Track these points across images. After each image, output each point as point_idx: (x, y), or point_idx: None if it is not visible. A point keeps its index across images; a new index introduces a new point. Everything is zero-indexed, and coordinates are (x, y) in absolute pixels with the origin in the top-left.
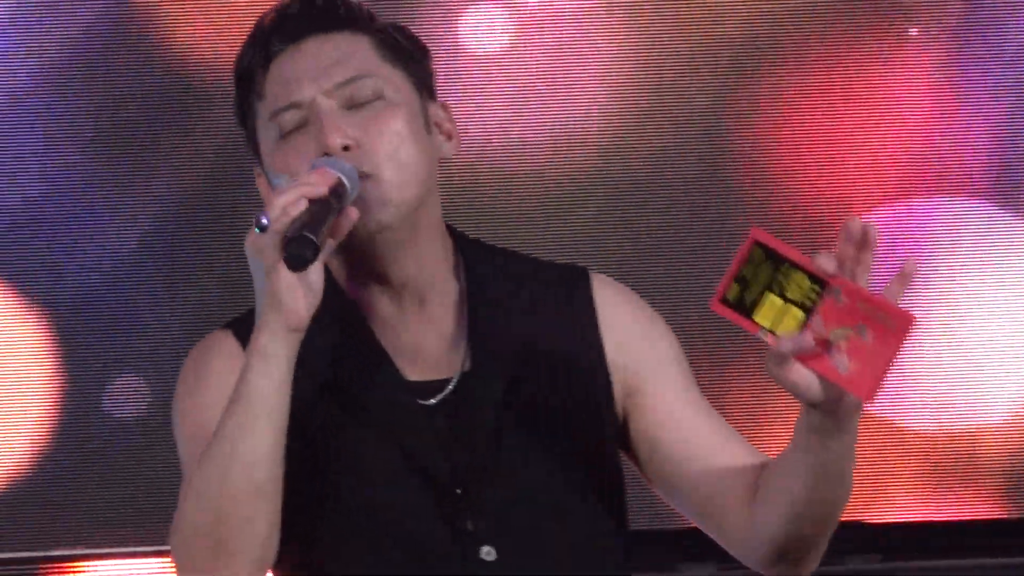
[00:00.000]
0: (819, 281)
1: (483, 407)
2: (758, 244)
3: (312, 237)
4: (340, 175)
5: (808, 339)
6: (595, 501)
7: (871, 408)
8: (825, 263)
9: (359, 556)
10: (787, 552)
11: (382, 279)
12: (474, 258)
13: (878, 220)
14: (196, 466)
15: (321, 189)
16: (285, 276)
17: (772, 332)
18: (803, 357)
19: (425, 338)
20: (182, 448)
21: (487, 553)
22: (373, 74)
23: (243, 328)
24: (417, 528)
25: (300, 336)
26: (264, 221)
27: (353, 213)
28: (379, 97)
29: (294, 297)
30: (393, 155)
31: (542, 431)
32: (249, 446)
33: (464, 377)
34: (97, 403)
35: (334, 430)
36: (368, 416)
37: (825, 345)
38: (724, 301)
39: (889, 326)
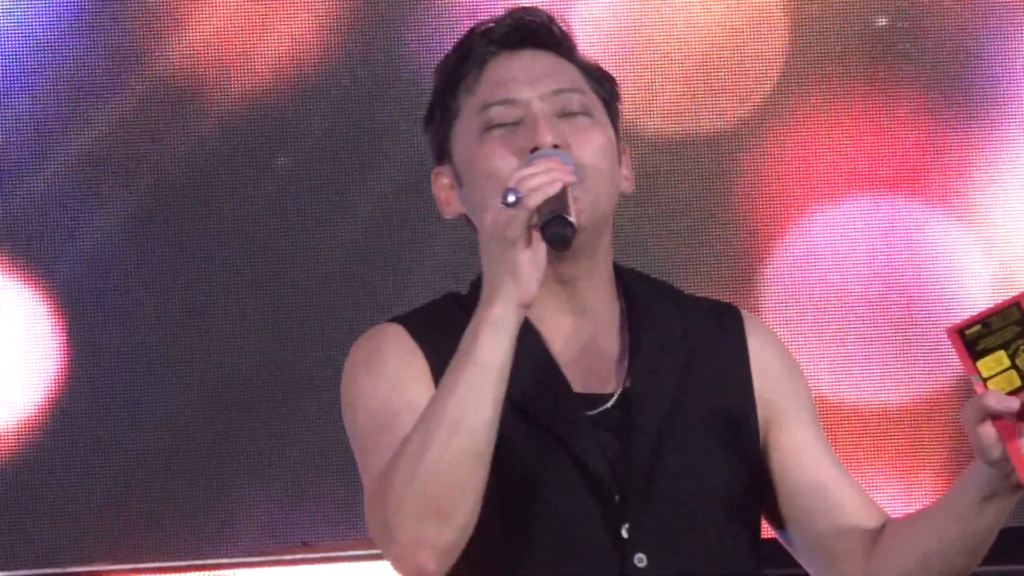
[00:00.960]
0: None
1: (642, 421)
2: (1019, 307)
3: (571, 219)
4: (573, 166)
5: (1014, 403)
6: (738, 517)
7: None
8: None
9: (520, 552)
10: None
11: (559, 281)
12: (634, 284)
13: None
14: (413, 433)
15: (572, 178)
16: (526, 253)
17: (985, 381)
18: (998, 423)
19: (591, 353)
20: (361, 425)
21: (639, 560)
22: (583, 92)
23: (412, 324)
24: (577, 531)
25: (526, 312)
26: (513, 198)
27: (582, 203)
28: (587, 113)
29: (531, 272)
30: (596, 165)
31: (695, 449)
32: (476, 413)
33: (625, 392)
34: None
35: (506, 436)
36: (538, 422)
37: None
38: (960, 333)
39: None
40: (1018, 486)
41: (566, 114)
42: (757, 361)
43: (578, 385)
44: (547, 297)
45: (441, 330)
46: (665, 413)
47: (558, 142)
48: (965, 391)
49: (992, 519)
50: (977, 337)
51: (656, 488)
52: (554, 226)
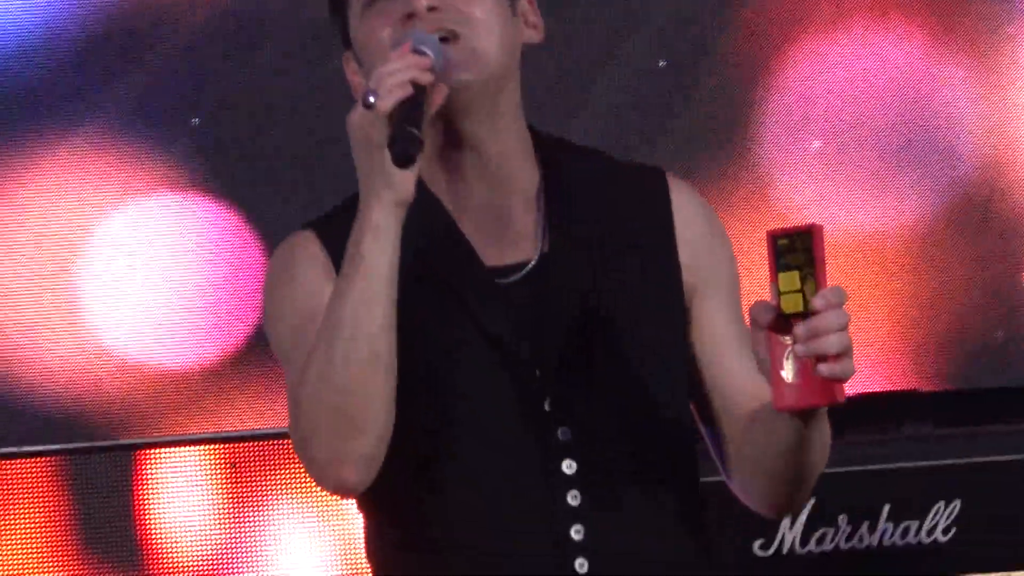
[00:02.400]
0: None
1: (561, 288)
2: (811, 234)
3: (417, 133)
4: (428, 51)
5: (765, 317)
6: (665, 386)
7: None
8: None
9: (438, 431)
10: (753, 496)
11: (460, 145)
12: (550, 149)
13: None
14: (316, 345)
15: (425, 75)
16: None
17: (780, 295)
18: (772, 341)
19: (503, 223)
20: (281, 338)
21: (563, 433)
22: None
23: (325, 230)
24: (496, 407)
25: (406, 209)
26: (371, 100)
27: (443, 90)
28: None
29: (403, 173)
30: (476, 20)
31: (619, 316)
32: (370, 318)
33: (542, 259)
34: None
35: (416, 313)
36: (449, 298)
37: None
38: (773, 238)
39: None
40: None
41: None
42: (682, 228)
43: (491, 257)
44: (451, 164)
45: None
46: (584, 282)
47: (433, 3)
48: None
49: (791, 437)
50: (784, 250)
51: (577, 360)
52: (397, 143)
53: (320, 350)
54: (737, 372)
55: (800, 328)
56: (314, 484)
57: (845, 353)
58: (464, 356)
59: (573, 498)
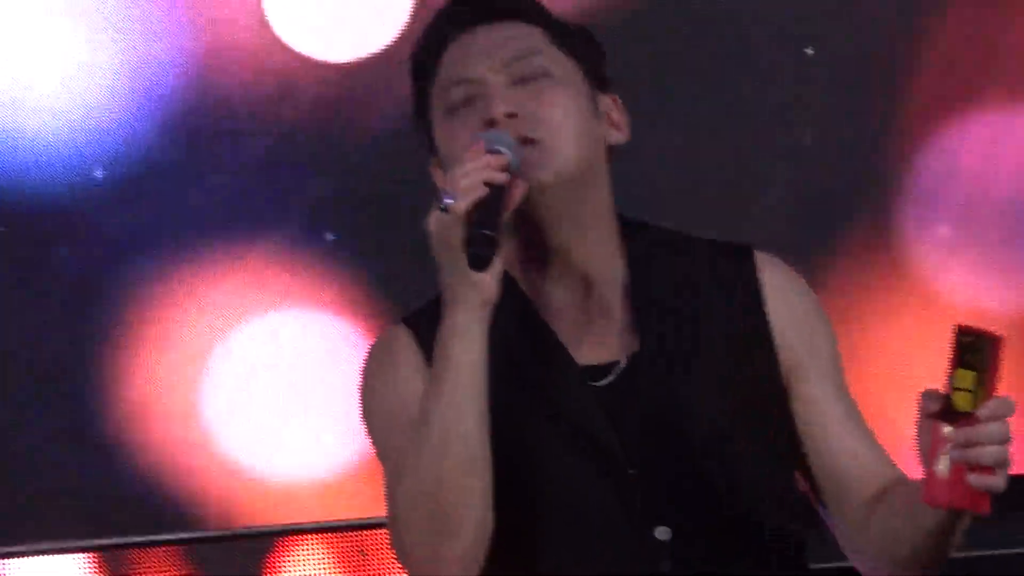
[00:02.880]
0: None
1: (653, 387)
2: (993, 344)
3: (491, 234)
4: (503, 149)
5: (933, 406)
6: (765, 479)
7: None
8: None
9: (537, 535)
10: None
11: (547, 248)
12: (639, 242)
13: None
14: (409, 449)
15: (499, 175)
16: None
17: (952, 390)
18: (934, 433)
19: (594, 322)
20: (378, 438)
21: (662, 533)
22: (542, 53)
23: (419, 325)
24: (593, 508)
25: (491, 309)
26: (447, 202)
27: (522, 186)
28: (546, 75)
29: (482, 274)
30: (555, 124)
31: (714, 410)
32: (459, 420)
33: (634, 357)
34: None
35: (511, 416)
36: (544, 401)
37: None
38: (960, 333)
39: None
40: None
41: (523, 80)
42: (774, 307)
43: (583, 356)
44: (541, 268)
45: None
46: (676, 379)
47: (511, 111)
48: None
49: (932, 525)
50: (967, 347)
51: (671, 458)
52: (472, 247)
53: (412, 454)
54: (848, 450)
55: (960, 433)
56: None
57: (1000, 467)
58: (558, 457)
59: None
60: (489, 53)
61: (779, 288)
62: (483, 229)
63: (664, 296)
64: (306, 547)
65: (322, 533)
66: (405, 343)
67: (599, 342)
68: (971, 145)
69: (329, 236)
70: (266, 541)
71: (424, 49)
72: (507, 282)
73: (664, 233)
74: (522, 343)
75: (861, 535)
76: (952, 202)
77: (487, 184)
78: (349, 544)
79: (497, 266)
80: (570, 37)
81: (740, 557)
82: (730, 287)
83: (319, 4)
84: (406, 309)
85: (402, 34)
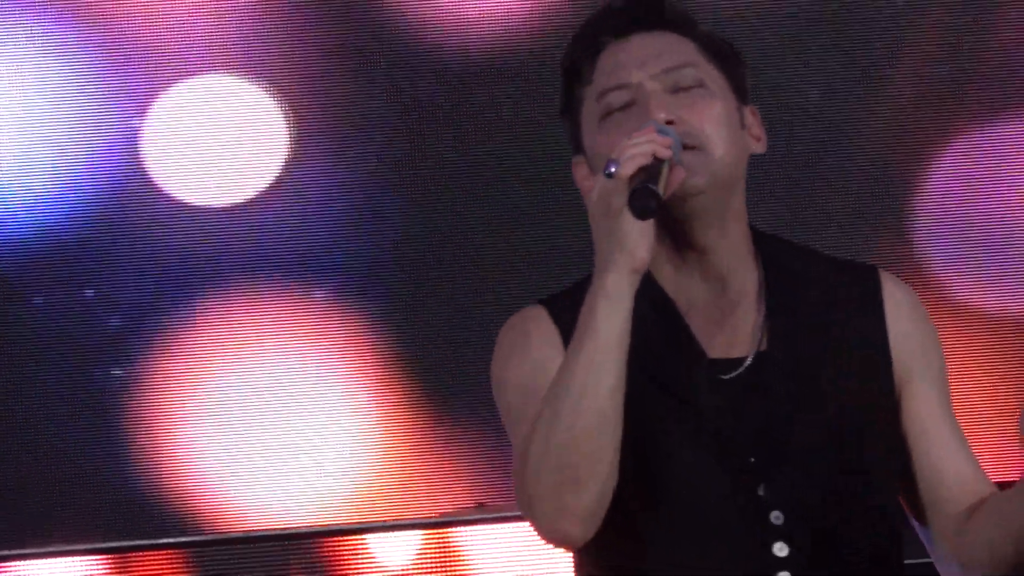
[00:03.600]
0: None
1: (777, 383)
2: None
3: (656, 188)
4: (671, 135)
5: None
6: (874, 482)
7: None
8: None
9: (655, 511)
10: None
11: (691, 247)
12: (771, 249)
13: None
14: (544, 406)
15: (665, 151)
16: (631, 221)
17: None
18: None
19: (727, 320)
20: (510, 405)
21: (776, 518)
22: (696, 65)
23: (556, 307)
24: (713, 493)
25: (639, 277)
26: (612, 169)
27: (681, 172)
28: (700, 85)
29: (640, 241)
30: (711, 133)
31: (832, 409)
32: (599, 382)
33: (759, 356)
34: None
35: (641, 401)
36: (673, 389)
37: None
38: None
39: None
40: None
41: (679, 89)
42: (893, 322)
43: (714, 350)
44: (682, 266)
45: (577, 312)
46: (800, 377)
47: (670, 118)
48: None
49: None
50: None
51: (791, 449)
52: (637, 197)
53: (548, 411)
54: (949, 464)
55: None
56: None
57: None
58: (683, 441)
59: None
60: (647, 61)
61: (899, 306)
62: (648, 184)
63: (793, 301)
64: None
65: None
66: (542, 320)
67: (730, 339)
68: (978, 154)
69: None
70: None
71: (579, 52)
72: (647, 276)
73: (792, 245)
74: (657, 333)
75: (955, 549)
76: (961, 208)
77: (654, 157)
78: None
79: (650, 236)
80: (718, 50)
81: (847, 547)
82: (855, 300)
83: (195, 151)
84: None
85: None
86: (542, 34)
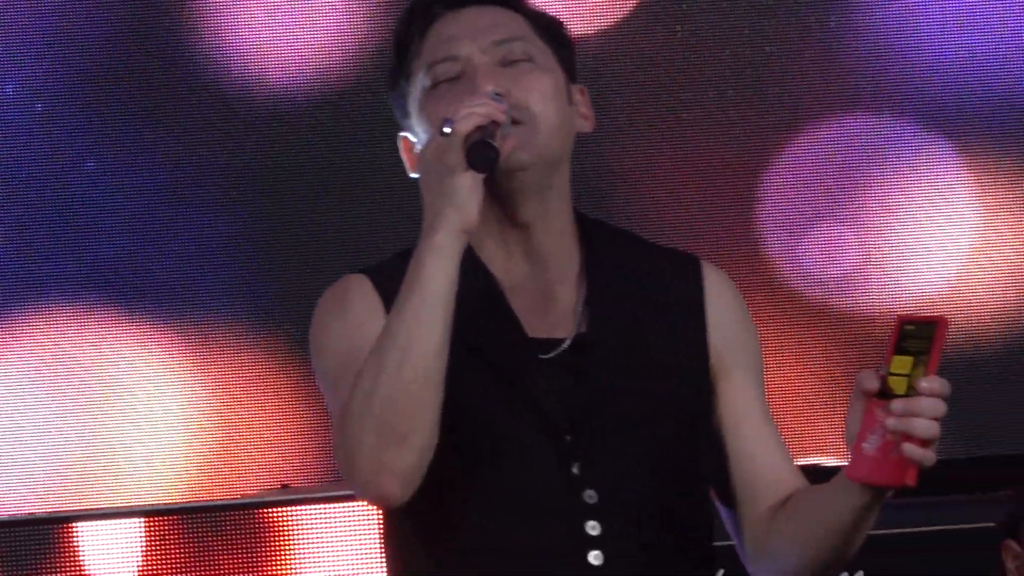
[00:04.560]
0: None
1: (595, 364)
2: (936, 326)
3: (494, 143)
4: (505, 106)
5: (872, 384)
6: (688, 463)
7: None
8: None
9: (471, 485)
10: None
11: (513, 224)
12: (594, 232)
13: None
14: (368, 360)
15: (500, 115)
16: (464, 178)
17: (888, 374)
18: (867, 413)
19: (547, 299)
20: (328, 368)
21: (589, 496)
22: (526, 39)
23: (378, 275)
24: (530, 470)
25: (467, 239)
26: (448, 128)
27: (513, 139)
28: (530, 59)
29: (471, 198)
30: (539, 108)
31: (648, 392)
32: (425, 336)
33: (579, 338)
34: None
35: (462, 375)
36: (493, 367)
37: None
38: (901, 323)
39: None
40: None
41: (509, 63)
42: (713, 311)
43: (533, 330)
44: (502, 242)
45: (400, 281)
46: (618, 358)
47: (498, 90)
48: None
49: (856, 513)
50: (908, 335)
51: (607, 429)
52: (476, 150)
53: (372, 364)
54: (761, 454)
55: (898, 403)
56: None
57: (931, 441)
58: (500, 417)
59: (595, 558)
60: (477, 34)
61: (719, 295)
62: (487, 139)
63: (614, 284)
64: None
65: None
66: (363, 287)
67: (551, 319)
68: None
69: None
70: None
71: (410, 24)
72: (470, 253)
73: (617, 230)
74: (480, 310)
75: (763, 540)
76: (805, 204)
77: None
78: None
79: (479, 196)
80: (548, 27)
81: (659, 527)
82: (675, 286)
83: None
84: None
85: None
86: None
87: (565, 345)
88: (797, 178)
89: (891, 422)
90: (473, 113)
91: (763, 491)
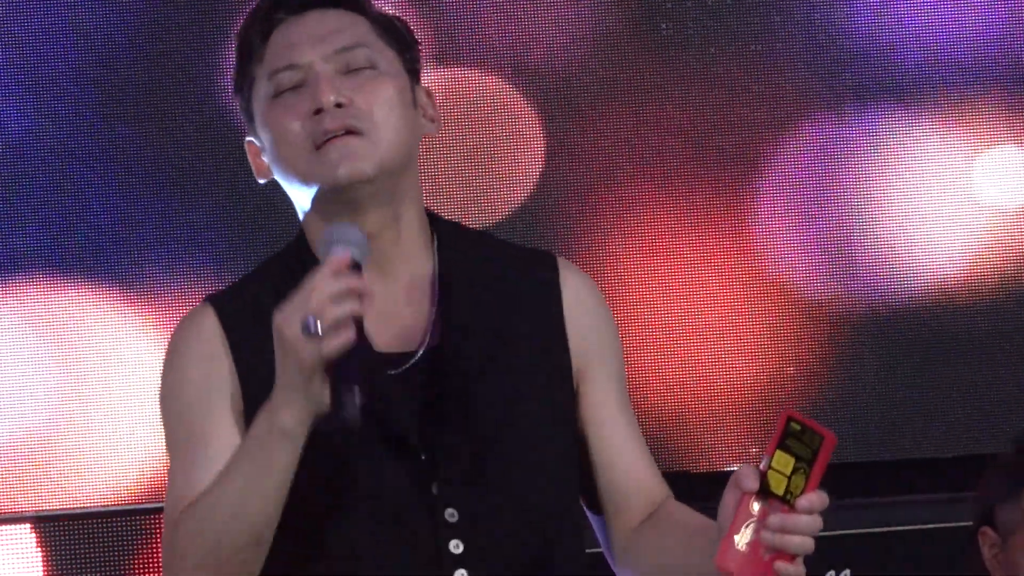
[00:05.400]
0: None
1: (448, 378)
2: (823, 441)
3: (360, 391)
4: (352, 250)
5: (751, 484)
6: (553, 472)
7: None
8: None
9: (327, 512)
10: None
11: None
12: (447, 237)
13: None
14: (194, 510)
15: (362, 310)
16: (322, 376)
17: (769, 469)
18: (740, 505)
19: (397, 311)
20: (167, 424)
21: (450, 515)
22: (369, 46)
23: (224, 307)
24: (388, 492)
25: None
26: (313, 330)
27: (370, 296)
28: (372, 66)
29: (323, 390)
30: (381, 117)
31: (506, 404)
32: (258, 509)
33: (430, 351)
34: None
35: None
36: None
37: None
38: (788, 419)
39: None
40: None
41: (351, 70)
42: (571, 310)
43: (385, 344)
44: None
45: (255, 314)
46: (474, 369)
47: (340, 100)
48: None
49: None
50: (793, 434)
51: (465, 445)
52: (342, 408)
53: (197, 520)
54: (627, 460)
55: (776, 518)
56: None
57: (802, 556)
58: (355, 440)
59: None
60: (318, 41)
61: (577, 295)
62: (352, 387)
63: (467, 292)
64: None
65: None
66: (206, 325)
67: (401, 331)
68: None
69: None
70: None
71: (252, 29)
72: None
73: (472, 233)
74: None
75: (632, 549)
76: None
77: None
78: None
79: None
80: (392, 29)
81: (524, 541)
82: (532, 289)
83: None
84: None
85: None
86: None
87: (414, 359)
88: (790, 175)
89: (766, 535)
90: (338, 321)
91: (627, 500)
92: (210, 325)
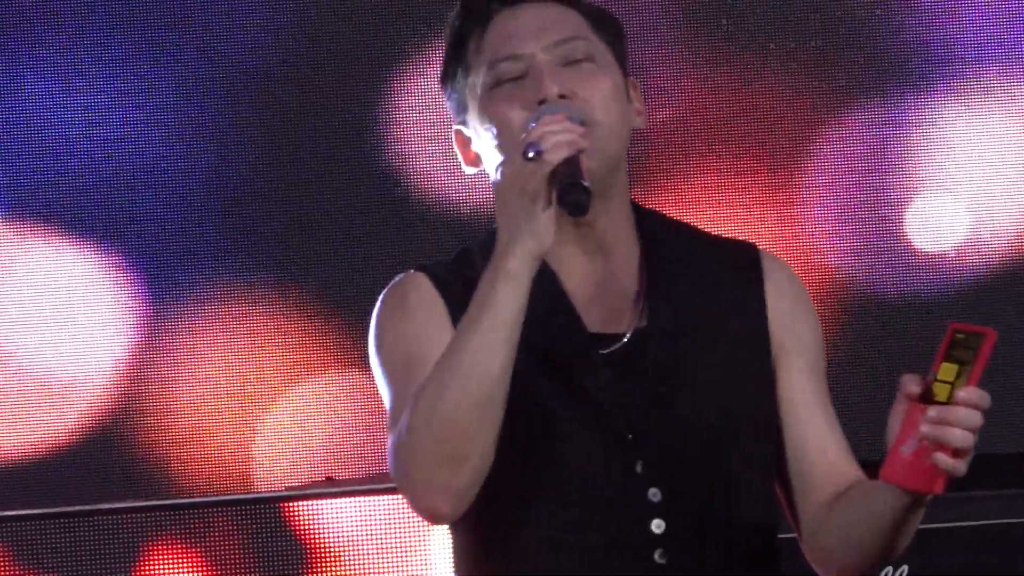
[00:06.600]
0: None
1: (656, 358)
2: (984, 338)
3: (587, 185)
4: (583, 132)
5: (914, 389)
6: (752, 457)
7: None
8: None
9: (532, 485)
10: (832, 565)
11: (575, 222)
12: (651, 225)
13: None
14: (431, 377)
15: (583, 142)
16: (544, 206)
17: (934, 379)
18: (907, 418)
19: (608, 293)
20: (387, 369)
21: (654, 495)
22: (585, 38)
23: (437, 274)
24: (592, 469)
25: (539, 263)
26: (532, 153)
27: (593, 159)
28: (590, 59)
29: (548, 227)
30: (604, 109)
31: (710, 385)
32: (490, 361)
33: (638, 332)
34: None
35: (521, 372)
36: (553, 362)
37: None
38: (954, 331)
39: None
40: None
41: (570, 62)
42: (772, 301)
43: (594, 325)
44: (564, 237)
45: (461, 280)
46: (680, 351)
47: (563, 92)
48: None
49: (895, 514)
50: (957, 343)
51: (669, 426)
52: (572, 192)
53: (434, 383)
54: (819, 439)
55: (933, 410)
56: None
57: (964, 452)
58: (562, 417)
59: (660, 556)
60: (539, 33)
61: (778, 283)
62: (582, 180)
63: (673, 277)
64: None
65: None
66: (423, 286)
67: (611, 314)
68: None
69: None
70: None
71: (468, 19)
72: None
73: (672, 221)
74: (539, 306)
75: (821, 531)
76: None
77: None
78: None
79: (555, 222)
80: (603, 22)
81: (724, 522)
82: (734, 275)
83: None
84: None
85: None
86: None
87: (625, 340)
88: (841, 166)
89: (925, 429)
90: (561, 143)
91: (818, 481)
92: (424, 281)
